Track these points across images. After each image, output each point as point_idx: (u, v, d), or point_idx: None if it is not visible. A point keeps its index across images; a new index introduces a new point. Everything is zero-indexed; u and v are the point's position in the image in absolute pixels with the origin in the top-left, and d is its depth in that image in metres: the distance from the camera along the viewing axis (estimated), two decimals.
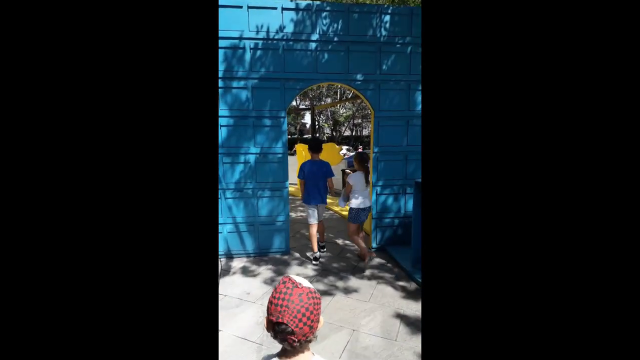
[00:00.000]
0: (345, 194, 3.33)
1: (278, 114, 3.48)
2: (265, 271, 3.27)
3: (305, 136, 24.36)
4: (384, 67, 3.54)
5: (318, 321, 0.76)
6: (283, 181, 3.58)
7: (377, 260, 3.50)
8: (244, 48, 3.32)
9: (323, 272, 3.26)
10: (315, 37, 3.39)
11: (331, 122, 14.30)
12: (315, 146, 3.43)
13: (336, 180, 8.29)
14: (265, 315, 0.75)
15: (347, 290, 2.89)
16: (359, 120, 23.53)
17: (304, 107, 15.90)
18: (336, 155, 7.02)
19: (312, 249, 3.47)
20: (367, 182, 3.26)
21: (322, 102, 12.32)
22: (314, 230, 3.40)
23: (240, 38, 3.29)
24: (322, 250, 3.59)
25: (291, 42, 3.37)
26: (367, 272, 3.25)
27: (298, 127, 27.76)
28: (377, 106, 3.59)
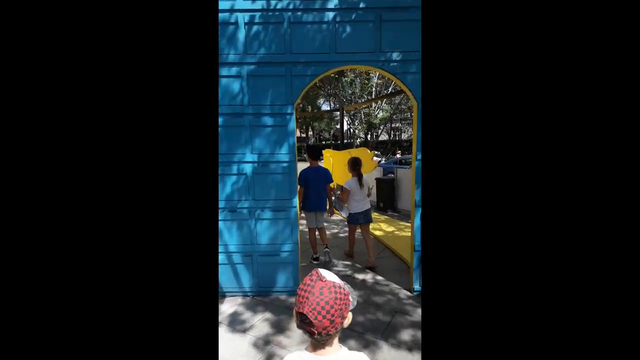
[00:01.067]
0: (342, 201, 3.36)
1: (283, 110, 2.60)
2: (261, 324, 2.39)
3: (338, 142, 23.53)
4: None
5: (342, 317, 0.76)
6: (290, 198, 2.69)
7: (419, 312, 2.45)
8: (236, 23, 2.51)
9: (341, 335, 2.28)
10: (333, 3, 2.48)
11: (365, 126, 13.21)
12: (314, 153, 3.38)
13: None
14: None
15: None
16: (398, 124, 22.10)
17: (331, 108, 15.13)
18: (368, 161, 6.00)
19: (313, 251, 3.46)
20: (361, 185, 3.29)
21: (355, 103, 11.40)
22: (313, 235, 3.39)
23: (231, 10, 2.49)
24: (326, 249, 3.46)
25: (299, 13, 2.50)
26: (406, 337, 2.21)
27: (332, 133, 26.99)
28: (421, 96, 2.57)
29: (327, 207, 3.51)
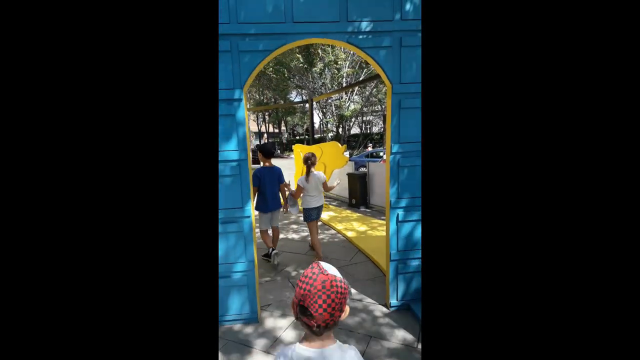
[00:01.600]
0: (295, 197, 3.34)
1: (229, 95, 2.08)
2: None
3: (314, 136, 23.06)
4: (407, 7, 2.09)
5: (341, 310, 0.78)
6: (242, 207, 2.18)
7: (399, 335, 2.07)
8: None
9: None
10: None
11: (336, 119, 12.80)
12: (267, 152, 3.34)
13: (341, 186, 6.94)
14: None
15: None
16: (370, 117, 21.95)
17: (300, 100, 14.65)
18: (339, 156, 5.58)
19: (266, 246, 3.40)
20: (307, 181, 3.26)
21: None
22: (266, 236, 3.37)
23: None
24: (275, 252, 3.33)
25: None
26: (385, 352, 1.82)
27: (305, 127, 26.51)
28: (396, 76, 2.16)
29: (282, 205, 3.48)
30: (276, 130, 33.37)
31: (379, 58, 2.13)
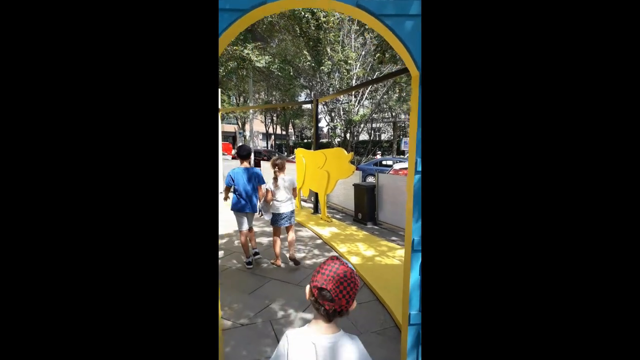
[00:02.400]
0: (267, 202, 3.25)
1: None
2: None
3: (321, 140, 22.49)
4: None
5: (353, 300, 0.85)
6: None
7: None
8: None
9: None
10: None
11: (343, 123, 12.11)
12: (241, 153, 3.35)
13: (346, 196, 6.25)
14: (310, 284, 0.86)
15: None
16: (379, 124, 21.20)
17: (304, 100, 14.01)
18: (344, 165, 4.90)
19: (245, 255, 3.42)
20: (275, 186, 3.19)
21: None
22: (243, 238, 3.38)
23: None
24: (255, 255, 3.50)
25: None
26: None
27: (313, 131, 26.01)
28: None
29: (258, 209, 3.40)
30: (284, 132, 32.91)
31: (403, 32, 1.46)
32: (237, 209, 3.28)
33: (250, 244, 3.48)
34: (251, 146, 13.03)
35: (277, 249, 3.37)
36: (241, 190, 3.23)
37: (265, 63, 10.12)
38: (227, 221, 4.22)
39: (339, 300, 0.81)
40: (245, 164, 3.31)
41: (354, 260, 3.51)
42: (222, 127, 36.68)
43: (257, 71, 12.97)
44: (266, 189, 3.20)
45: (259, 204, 3.31)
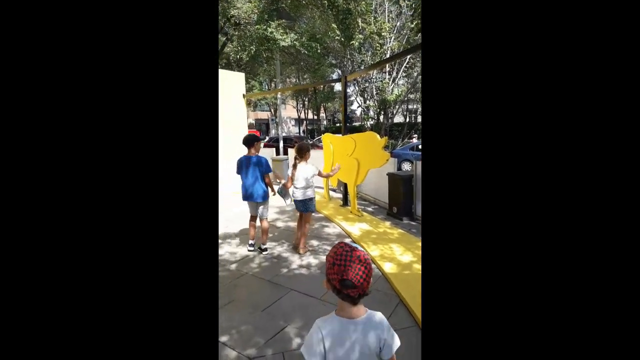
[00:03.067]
0: (287, 187, 3.30)
1: None
2: None
3: (354, 124, 21.57)
4: None
5: (371, 277, 0.89)
6: None
7: None
8: None
9: None
10: None
11: (377, 103, 11.15)
12: (246, 141, 3.28)
13: (379, 186, 5.59)
14: (328, 277, 0.91)
15: None
16: (416, 106, 19.67)
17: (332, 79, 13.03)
18: (377, 152, 4.25)
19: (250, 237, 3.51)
20: (293, 172, 3.26)
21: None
22: (250, 229, 3.45)
23: None
24: (264, 251, 3.42)
25: None
26: None
27: (342, 113, 25.10)
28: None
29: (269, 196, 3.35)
30: (315, 117, 32.28)
31: None
32: (244, 198, 3.31)
33: (261, 237, 3.45)
34: (280, 131, 12.67)
35: (298, 235, 3.43)
36: (244, 178, 3.25)
37: (291, 42, 9.44)
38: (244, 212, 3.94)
39: (361, 285, 0.87)
40: (252, 152, 3.26)
41: (388, 267, 2.94)
42: (255, 114, 36.90)
43: (284, 53, 12.37)
44: (294, 174, 3.24)
45: (270, 191, 3.31)
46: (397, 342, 0.94)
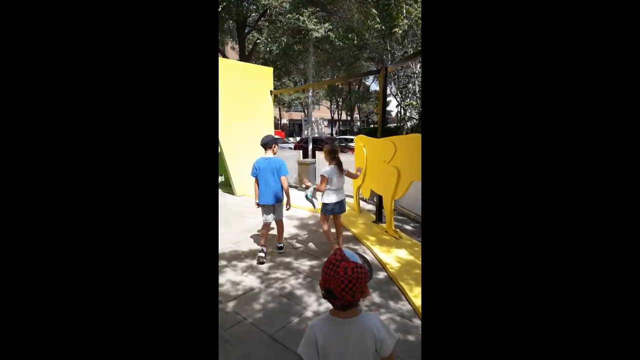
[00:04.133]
0: (320, 190, 3.13)
1: None
2: None
3: (388, 125, 20.38)
4: None
5: (362, 292, 0.90)
6: None
7: None
8: None
9: None
10: None
11: (419, 102, 9.90)
12: (265, 143, 3.21)
13: (420, 199, 4.53)
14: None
15: None
16: None
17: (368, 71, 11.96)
18: (414, 160, 3.30)
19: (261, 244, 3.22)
20: (341, 172, 3.15)
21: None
22: (264, 231, 3.27)
23: None
24: (279, 251, 3.38)
25: None
26: None
27: (379, 111, 23.93)
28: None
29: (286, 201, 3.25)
30: (349, 118, 31.33)
31: None
32: (261, 201, 3.18)
33: (277, 236, 3.42)
34: (310, 132, 12.01)
35: (329, 236, 3.34)
36: (261, 180, 3.15)
37: (325, 32, 8.60)
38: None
39: (343, 297, 0.87)
40: (269, 153, 3.17)
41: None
42: (290, 114, 36.86)
43: (318, 49, 11.62)
44: (322, 176, 3.11)
45: (284, 195, 3.22)
46: (394, 339, 0.96)
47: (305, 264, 3.15)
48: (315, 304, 2.42)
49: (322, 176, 3.10)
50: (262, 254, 3.14)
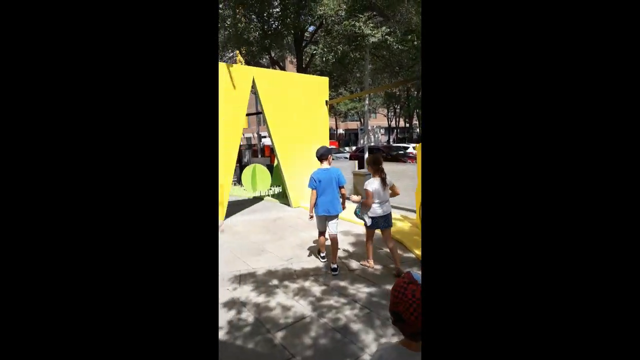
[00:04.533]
0: (367, 206, 2.98)
1: None
2: None
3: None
4: None
5: None
6: None
7: None
8: None
9: None
10: None
11: None
12: (321, 155, 3.15)
13: None
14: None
15: None
16: None
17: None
18: None
19: (327, 259, 3.39)
20: (384, 186, 2.96)
21: None
22: (321, 239, 3.31)
23: None
24: (334, 272, 3.11)
25: None
26: None
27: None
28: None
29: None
30: (407, 125, 30.00)
31: None
32: (316, 211, 3.15)
33: (332, 256, 3.21)
34: (366, 141, 11.59)
35: (370, 252, 3.24)
36: (320, 191, 3.10)
37: (382, 36, 8.22)
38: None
39: (413, 322, 0.81)
40: (325, 164, 3.16)
41: None
42: (346, 124, 36.83)
43: (374, 56, 11.25)
44: (367, 190, 2.98)
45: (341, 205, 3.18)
46: None
47: (362, 291, 2.79)
48: (374, 345, 2.05)
49: (367, 190, 2.96)
50: (323, 259, 3.42)
